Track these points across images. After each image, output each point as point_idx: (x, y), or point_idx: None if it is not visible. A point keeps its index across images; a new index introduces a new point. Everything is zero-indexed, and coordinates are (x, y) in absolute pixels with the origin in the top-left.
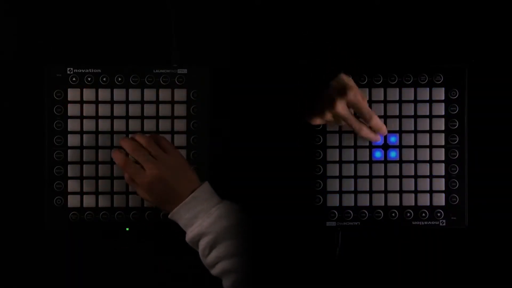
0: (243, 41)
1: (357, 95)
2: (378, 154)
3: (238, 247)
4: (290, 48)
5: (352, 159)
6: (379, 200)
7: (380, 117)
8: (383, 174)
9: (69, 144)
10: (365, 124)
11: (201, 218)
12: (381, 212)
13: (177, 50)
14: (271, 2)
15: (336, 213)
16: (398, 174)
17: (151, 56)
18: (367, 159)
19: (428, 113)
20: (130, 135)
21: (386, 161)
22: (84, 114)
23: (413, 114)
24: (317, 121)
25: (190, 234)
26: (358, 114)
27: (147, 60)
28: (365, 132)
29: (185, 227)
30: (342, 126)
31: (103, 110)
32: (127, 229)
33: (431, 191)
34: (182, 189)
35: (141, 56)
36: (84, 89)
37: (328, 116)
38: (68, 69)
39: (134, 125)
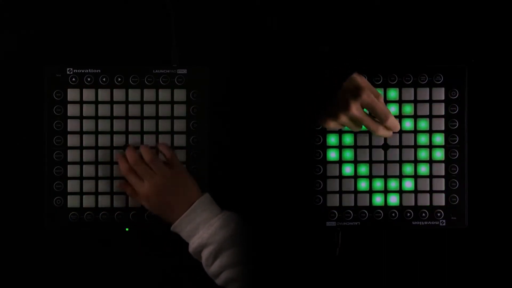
0: (243, 41)
1: (371, 95)
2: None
3: (241, 255)
4: (290, 49)
5: (352, 159)
6: (379, 200)
7: None
8: (383, 174)
9: (68, 145)
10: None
11: (202, 229)
12: (381, 212)
13: (177, 50)
14: (271, 2)
15: (336, 213)
16: (398, 174)
17: (151, 56)
18: (367, 159)
19: (428, 113)
20: (140, 146)
21: (386, 161)
22: (83, 115)
23: (413, 114)
24: (332, 125)
25: (192, 246)
26: (373, 115)
27: (147, 60)
28: (382, 131)
29: (187, 238)
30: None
31: (103, 110)
32: (127, 229)
33: (431, 191)
34: (181, 202)
35: (141, 56)
36: (83, 89)
37: (343, 118)
38: (68, 69)
39: (133, 125)
